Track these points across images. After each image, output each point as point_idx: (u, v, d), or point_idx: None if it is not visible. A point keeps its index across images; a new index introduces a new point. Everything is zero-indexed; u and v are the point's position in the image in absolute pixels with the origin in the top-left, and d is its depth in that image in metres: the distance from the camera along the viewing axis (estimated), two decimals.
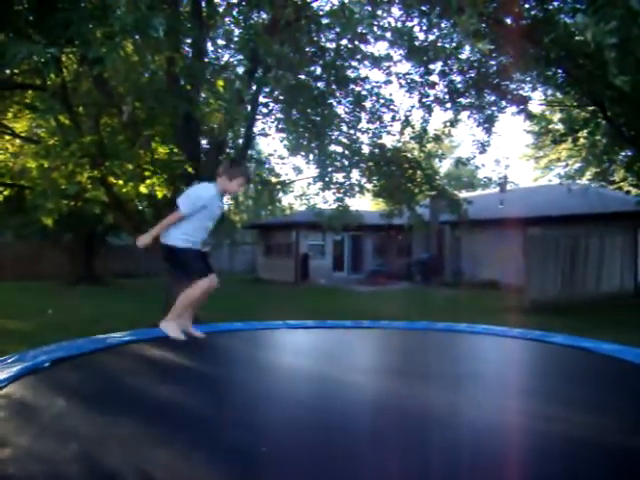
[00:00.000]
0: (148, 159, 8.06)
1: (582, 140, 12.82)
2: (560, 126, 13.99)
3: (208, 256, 3.93)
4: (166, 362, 4.43)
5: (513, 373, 4.13)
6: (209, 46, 9.76)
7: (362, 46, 9.50)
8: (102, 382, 3.68)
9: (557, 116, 15.04)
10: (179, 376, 3.89)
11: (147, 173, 8.22)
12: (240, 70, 9.63)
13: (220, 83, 7.74)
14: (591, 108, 10.38)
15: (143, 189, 8.27)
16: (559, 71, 9.76)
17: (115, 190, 8.17)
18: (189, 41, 8.86)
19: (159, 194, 8.63)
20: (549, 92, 12.01)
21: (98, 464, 2.25)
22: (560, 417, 2.90)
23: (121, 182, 7.90)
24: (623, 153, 12.31)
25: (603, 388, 3.59)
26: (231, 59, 9.85)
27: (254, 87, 8.93)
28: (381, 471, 2.27)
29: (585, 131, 11.63)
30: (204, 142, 10.28)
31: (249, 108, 9.02)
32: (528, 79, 10.82)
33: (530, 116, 11.35)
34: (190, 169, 8.51)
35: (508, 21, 8.37)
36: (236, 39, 9.24)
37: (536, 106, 13.58)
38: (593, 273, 14.01)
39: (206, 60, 9.18)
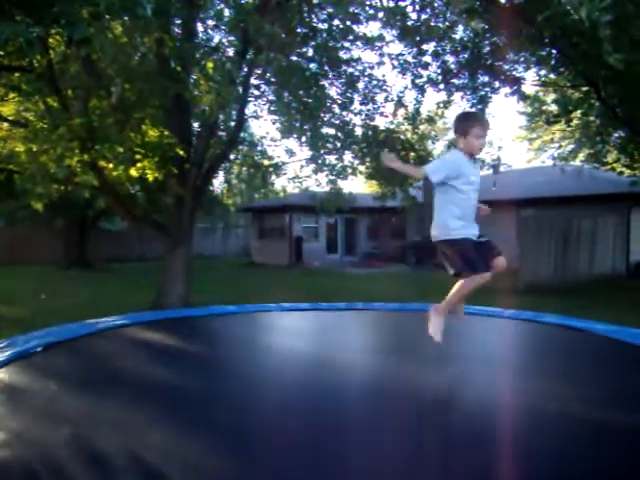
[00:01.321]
0: (139, 142, 7.97)
1: (575, 121, 12.75)
2: (553, 107, 13.92)
3: (485, 242, 3.33)
4: (159, 345, 4.42)
5: (507, 352, 4.14)
6: (199, 27, 9.63)
7: (354, 26, 9.38)
8: (95, 366, 3.67)
9: (551, 97, 14.95)
10: (172, 359, 3.88)
11: (138, 156, 8.14)
12: (231, 51, 9.50)
13: (210, 65, 7.63)
14: (585, 88, 10.30)
15: (134, 172, 8.19)
16: (553, 51, 9.68)
17: (105, 174, 8.08)
18: (179, 22, 8.73)
19: (150, 177, 8.55)
20: (542, 73, 11.92)
21: (92, 447, 2.24)
22: (552, 394, 2.91)
23: (111, 165, 7.81)
24: (616, 134, 12.26)
25: (595, 366, 3.62)
26: (223, 39, 9.72)
27: (245, 68, 8.82)
28: (375, 447, 2.26)
29: (579, 112, 11.56)
30: (195, 125, 10.18)
31: (240, 90, 8.91)
32: (522, 59, 10.74)
33: (523, 97, 11.27)
34: (181, 152, 8.44)
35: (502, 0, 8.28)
36: (227, 19, 9.10)
37: (530, 87, 13.50)
38: (586, 254, 14.06)
39: (196, 41, 9.06)
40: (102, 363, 3.75)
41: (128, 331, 4.82)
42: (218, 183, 19.56)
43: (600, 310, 8.44)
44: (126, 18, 6.16)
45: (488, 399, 2.96)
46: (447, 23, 9.67)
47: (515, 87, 10.66)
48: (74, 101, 7.74)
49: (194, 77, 8.82)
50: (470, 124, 3.19)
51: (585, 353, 4.06)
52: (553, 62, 10.05)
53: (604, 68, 7.15)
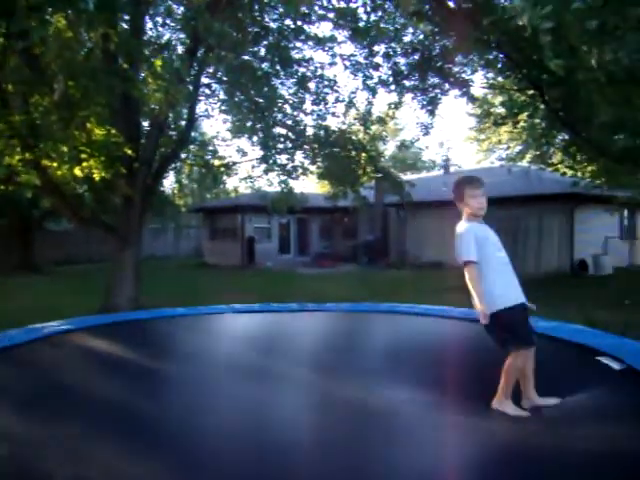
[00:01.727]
0: (84, 140, 7.74)
1: (522, 123, 13.10)
2: (501, 109, 14.27)
3: (528, 313, 3.14)
4: (106, 351, 4.30)
5: (450, 352, 4.21)
6: (149, 24, 9.45)
7: (305, 26, 9.40)
8: (37, 374, 3.53)
9: (499, 99, 15.32)
10: (119, 365, 3.78)
11: (83, 155, 7.90)
12: (180, 49, 9.35)
13: (158, 62, 7.48)
14: (531, 92, 10.59)
15: (78, 172, 7.95)
16: (500, 55, 9.90)
17: (49, 173, 7.81)
18: (127, 18, 8.53)
19: (97, 177, 8.33)
20: (490, 75, 12.20)
21: (30, 461, 2.14)
22: (489, 391, 2.98)
23: (55, 164, 7.56)
24: (560, 137, 12.66)
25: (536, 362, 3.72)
26: (173, 36, 9.57)
27: (196, 67, 8.70)
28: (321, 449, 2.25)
29: (525, 114, 11.88)
30: (145, 123, 9.98)
31: (191, 88, 8.78)
32: (470, 62, 10.95)
33: (472, 99, 11.53)
34: (129, 151, 8.24)
35: (450, 3, 8.42)
36: (178, 17, 8.97)
37: (478, 89, 13.82)
38: (532, 253, 14.50)
39: (145, 38, 8.87)
40: (44, 371, 3.61)
41: (74, 336, 4.67)
42: (169, 183, 19.25)
43: (545, 307, 8.70)
44: (70, 11, 6.00)
45: (425, 397, 3.00)
46: (397, 25, 9.78)
47: (464, 89, 10.89)
48: (14, 96, 7.43)
49: (143, 75, 8.63)
50: (461, 188, 3.36)
51: None
52: (500, 66, 10.28)
53: (547, 73, 7.37)
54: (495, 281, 3.09)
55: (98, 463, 2.14)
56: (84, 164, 8.00)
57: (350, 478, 2.04)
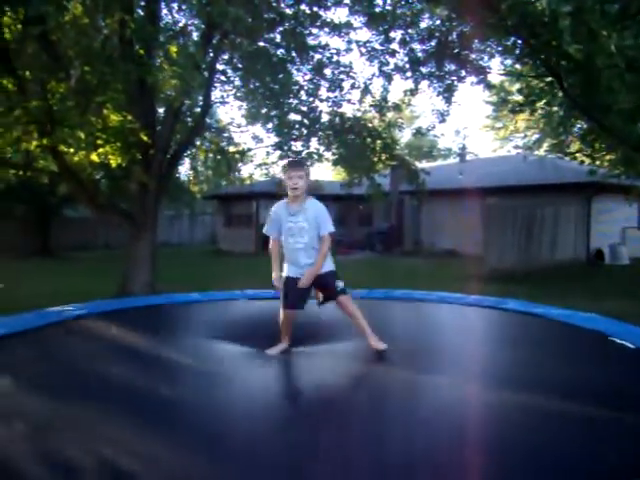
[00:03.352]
0: (100, 126, 7.78)
1: (540, 111, 12.93)
2: (518, 97, 14.09)
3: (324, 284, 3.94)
4: (121, 335, 4.35)
5: (467, 338, 4.21)
6: (165, 10, 9.44)
7: (321, 12, 9.33)
8: (55, 357, 3.58)
9: (516, 86, 15.11)
10: (132, 349, 3.82)
11: (100, 141, 7.96)
12: (196, 35, 9.34)
13: (174, 48, 7.47)
14: (548, 79, 10.43)
15: (95, 158, 8.00)
16: (518, 41, 9.76)
17: (66, 159, 7.87)
18: (143, 4, 8.54)
19: (113, 163, 8.38)
20: (508, 62, 12.03)
21: (49, 447, 2.18)
22: (512, 379, 2.98)
23: (72, 150, 7.61)
24: (578, 125, 12.48)
25: (550, 350, 3.70)
26: (189, 22, 9.55)
27: (211, 53, 8.69)
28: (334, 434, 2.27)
29: (542, 102, 11.72)
30: (161, 110, 10.00)
31: (206, 75, 8.78)
32: (487, 49, 10.81)
33: (489, 86, 11.40)
34: (145, 137, 8.28)
35: None
36: (193, 3, 8.94)
37: (496, 76, 13.64)
38: (548, 242, 14.36)
39: (161, 24, 8.88)
40: (58, 354, 3.67)
41: (88, 321, 4.73)
42: (185, 170, 19.32)
43: (560, 296, 8.64)
44: None
45: (446, 385, 3.01)
46: (414, 10, 9.67)
47: (481, 76, 10.76)
48: (31, 83, 7.48)
49: (158, 61, 8.65)
50: (284, 170, 3.75)
51: (539, 337, 4.16)
52: (517, 52, 10.14)
53: (565, 59, 7.26)
54: (285, 257, 3.86)
55: (114, 442, 2.18)
56: (100, 150, 8.06)
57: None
